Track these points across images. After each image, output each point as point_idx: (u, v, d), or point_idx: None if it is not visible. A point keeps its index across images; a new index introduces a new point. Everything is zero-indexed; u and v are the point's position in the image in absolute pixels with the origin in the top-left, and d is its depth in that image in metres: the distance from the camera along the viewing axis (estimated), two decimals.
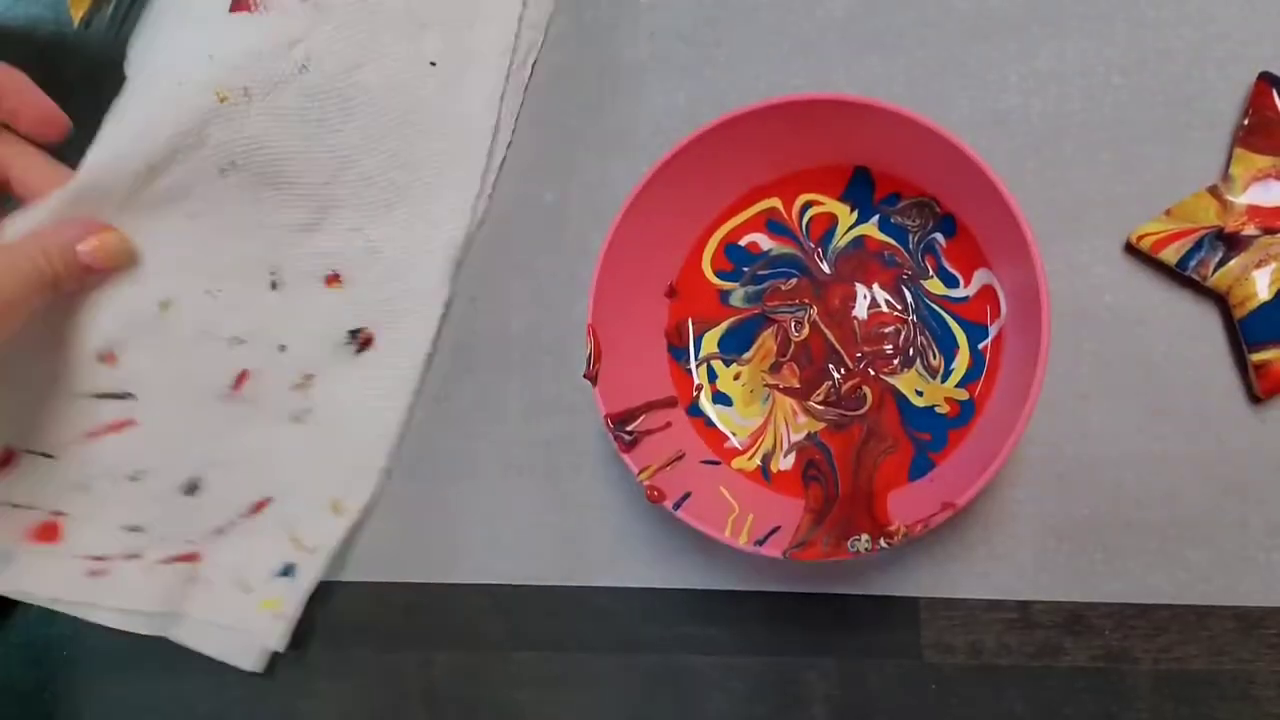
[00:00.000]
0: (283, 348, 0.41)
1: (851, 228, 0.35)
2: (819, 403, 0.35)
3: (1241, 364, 0.33)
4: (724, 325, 0.36)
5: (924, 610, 0.35)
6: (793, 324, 0.36)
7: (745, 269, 0.36)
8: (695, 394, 0.36)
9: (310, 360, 0.41)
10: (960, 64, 0.36)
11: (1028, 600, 0.34)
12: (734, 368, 0.36)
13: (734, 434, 0.36)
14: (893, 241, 0.34)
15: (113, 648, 0.41)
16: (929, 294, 0.34)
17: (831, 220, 0.35)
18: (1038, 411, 0.33)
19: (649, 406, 0.35)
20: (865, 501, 0.33)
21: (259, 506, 0.41)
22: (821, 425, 0.35)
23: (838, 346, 0.35)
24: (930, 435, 0.33)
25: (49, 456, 0.40)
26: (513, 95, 0.41)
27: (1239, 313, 0.32)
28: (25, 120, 0.39)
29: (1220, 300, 0.33)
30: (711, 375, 0.36)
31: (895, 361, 0.34)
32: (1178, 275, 0.33)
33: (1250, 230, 0.32)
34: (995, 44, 0.35)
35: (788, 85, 0.38)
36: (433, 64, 0.40)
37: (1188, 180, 0.33)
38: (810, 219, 0.35)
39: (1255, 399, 0.33)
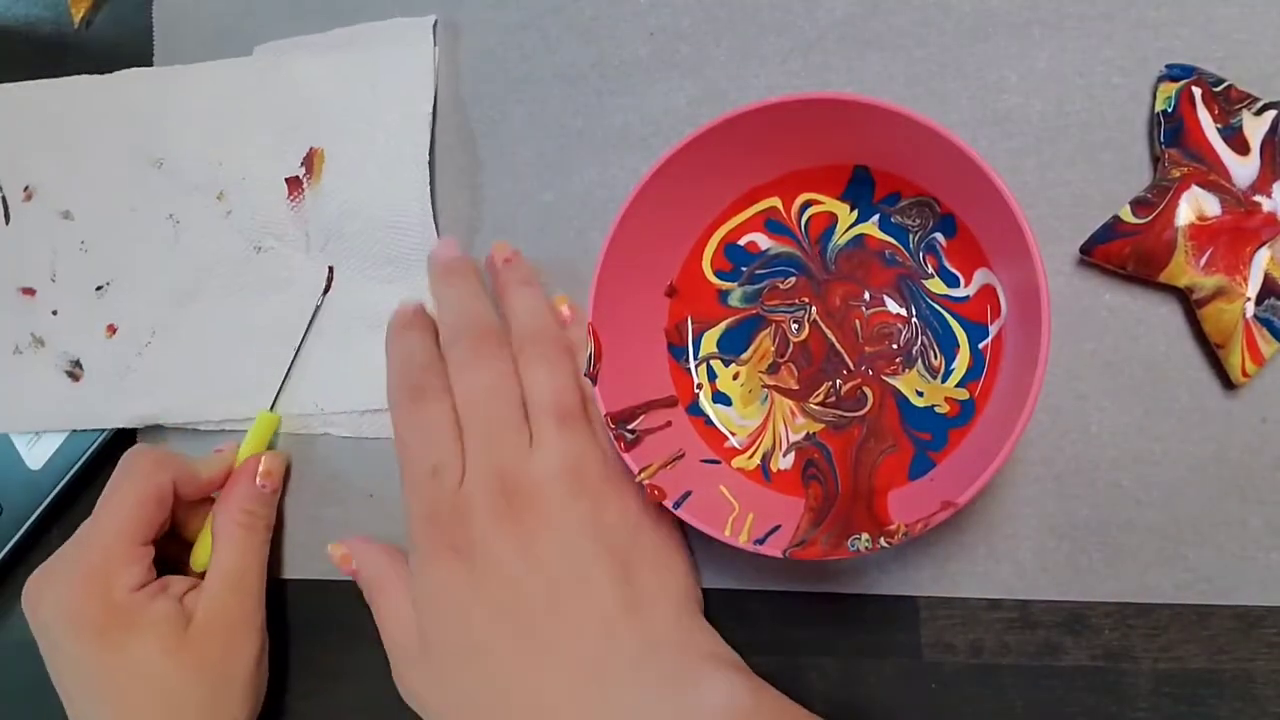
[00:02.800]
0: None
1: (851, 226, 0.35)
2: (818, 404, 0.35)
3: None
4: (722, 325, 0.36)
5: (924, 609, 0.35)
6: (791, 324, 0.36)
7: (743, 269, 0.36)
8: (695, 393, 0.36)
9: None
10: (960, 64, 0.36)
11: (1028, 599, 0.34)
12: (732, 368, 0.36)
13: (733, 434, 0.36)
14: (893, 241, 0.34)
15: None
16: (930, 294, 0.34)
17: (831, 219, 0.35)
18: (1037, 411, 0.33)
19: (649, 405, 0.35)
20: (865, 500, 0.33)
21: None
22: (820, 426, 0.35)
23: (839, 347, 0.35)
24: (930, 435, 0.33)
25: None
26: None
27: None
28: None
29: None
30: (711, 375, 0.36)
31: (898, 362, 0.34)
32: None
33: None
34: (995, 44, 0.35)
35: (788, 85, 0.38)
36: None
37: None
38: (809, 218, 0.35)
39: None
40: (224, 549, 0.39)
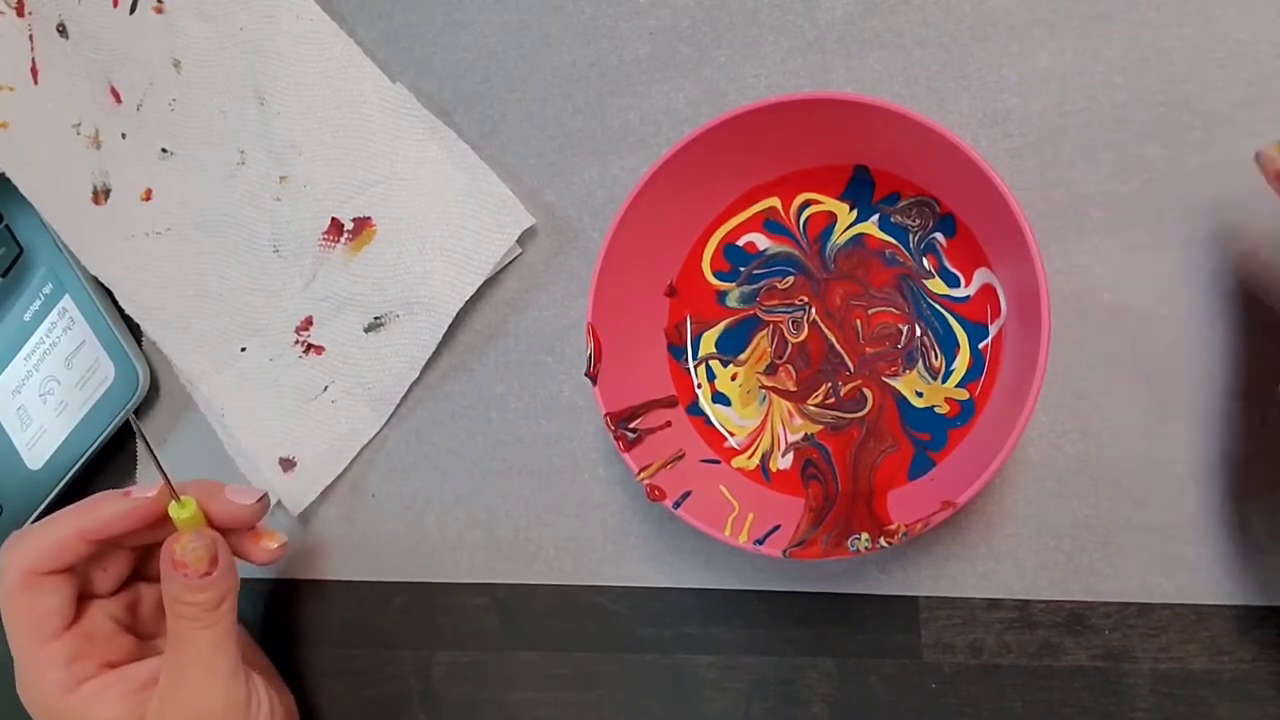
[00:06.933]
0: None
1: (851, 226, 0.35)
2: (816, 405, 0.35)
3: (1241, 362, 0.33)
4: (720, 326, 0.36)
5: (924, 609, 0.35)
6: (789, 324, 0.36)
7: (741, 269, 0.36)
8: (695, 393, 0.36)
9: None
10: (960, 64, 0.36)
11: (1028, 599, 0.34)
12: (730, 368, 0.36)
13: (732, 434, 0.36)
14: (893, 240, 0.34)
15: None
16: (930, 294, 0.34)
17: (830, 218, 0.35)
18: (1038, 411, 0.33)
19: (649, 405, 0.35)
20: (865, 500, 0.33)
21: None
22: (819, 427, 0.35)
23: (839, 348, 0.35)
24: (930, 435, 0.33)
25: None
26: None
27: None
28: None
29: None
30: (710, 375, 0.36)
31: (899, 362, 0.34)
32: (1177, 274, 0.33)
33: None
34: (995, 44, 0.35)
35: (788, 85, 0.38)
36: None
37: (1187, 180, 0.33)
38: (808, 217, 0.35)
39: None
40: (169, 643, 0.34)
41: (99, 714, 0.33)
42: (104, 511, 0.35)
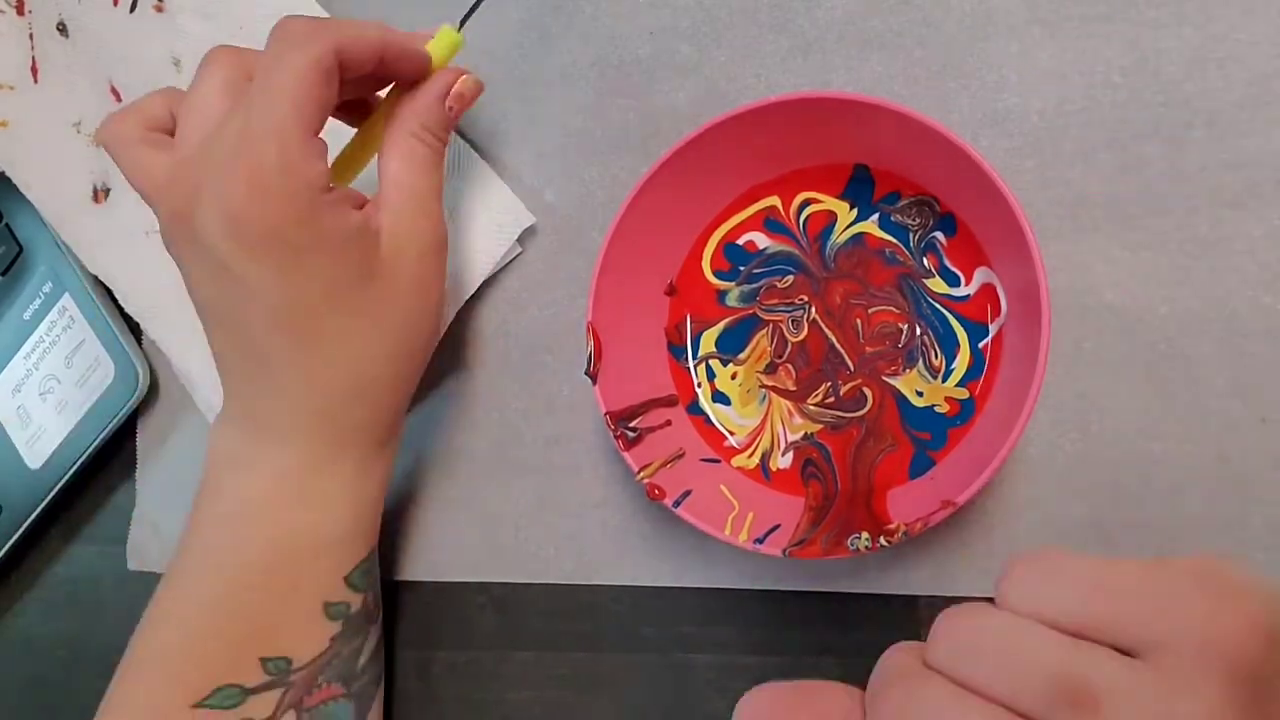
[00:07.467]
0: None
1: (850, 225, 0.35)
2: (816, 404, 0.35)
3: (1240, 362, 0.33)
4: (720, 325, 0.36)
5: (924, 609, 0.35)
6: (789, 323, 0.36)
7: (741, 268, 0.36)
8: (695, 392, 0.36)
9: None
10: (960, 64, 0.36)
11: None
12: (730, 368, 0.36)
13: (732, 433, 0.36)
14: (893, 239, 0.34)
15: (107, 648, 0.41)
16: (931, 293, 0.34)
17: (830, 217, 0.35)
18: (1037, 410, 0.33)
19: (649, 404, 0.35)
20: (865, 499, 0.33)
21: None
22: (819, 426, 0.35)
23: (839, 347, 0.35)
24: (930, 434, 0.33)
25: None
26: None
27: None
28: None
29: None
30: (710, 374, 0.36)
31: (899, 362, 0.34)
32: (1177, 274, 0.33)
33: None
34: (995, 44, 0.35)
35: (788, 85, 0.38)
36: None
37: (1187, 180, 0.33)
38: (807, 216, 0.35)
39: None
40: (402, 164, 0.32)
41: (346, 221, 0.30)
42: (390, 37, 0.32)
